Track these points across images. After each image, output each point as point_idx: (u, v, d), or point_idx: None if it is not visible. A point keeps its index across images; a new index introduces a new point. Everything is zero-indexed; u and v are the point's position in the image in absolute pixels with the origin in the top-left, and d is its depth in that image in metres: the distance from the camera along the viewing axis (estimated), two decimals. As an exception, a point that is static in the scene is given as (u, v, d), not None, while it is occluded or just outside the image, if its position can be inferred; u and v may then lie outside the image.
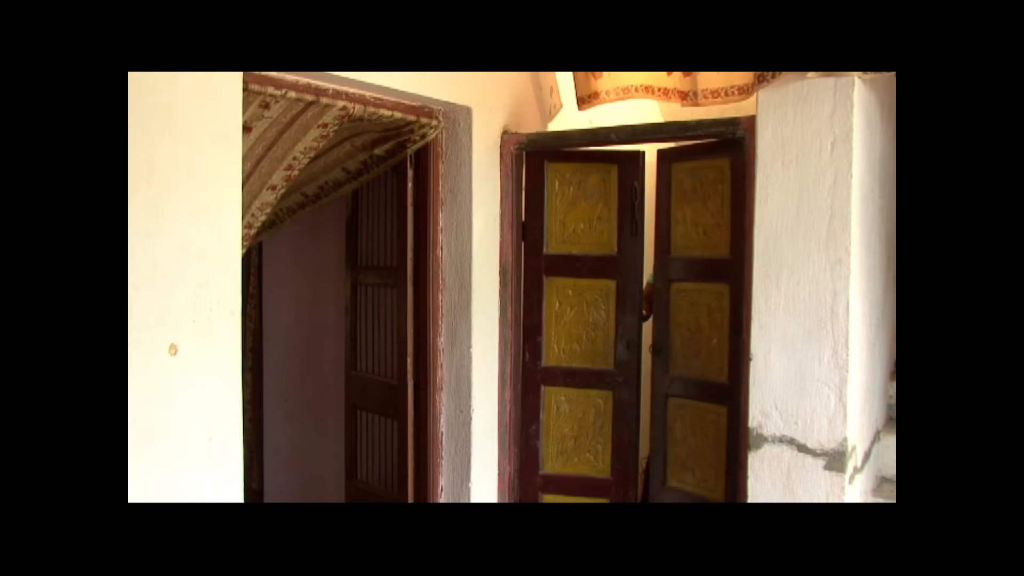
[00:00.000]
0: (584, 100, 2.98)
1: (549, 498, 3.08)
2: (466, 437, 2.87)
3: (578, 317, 3.05)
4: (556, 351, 3.07)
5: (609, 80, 2.88)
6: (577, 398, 3.07)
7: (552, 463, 3.09)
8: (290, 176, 2.54)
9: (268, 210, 2.60)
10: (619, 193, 2.96)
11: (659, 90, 2.79)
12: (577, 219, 3.01)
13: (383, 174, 2.99)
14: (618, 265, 2.99)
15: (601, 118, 3.02)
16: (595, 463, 3.07)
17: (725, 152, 2.60)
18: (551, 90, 3.21)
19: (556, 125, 3.19)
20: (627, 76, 2.83)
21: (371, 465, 3.22)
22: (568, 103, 3.18)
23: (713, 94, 2.59)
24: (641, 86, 2.83)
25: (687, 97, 2.68)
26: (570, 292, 3.05)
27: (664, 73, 2.76)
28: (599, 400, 3.05)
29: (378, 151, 2.82)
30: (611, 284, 3.00)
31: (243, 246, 2.11)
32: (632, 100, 2.93)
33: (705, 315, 2.70)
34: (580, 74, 2.95)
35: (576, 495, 3.04)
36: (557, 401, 3.09)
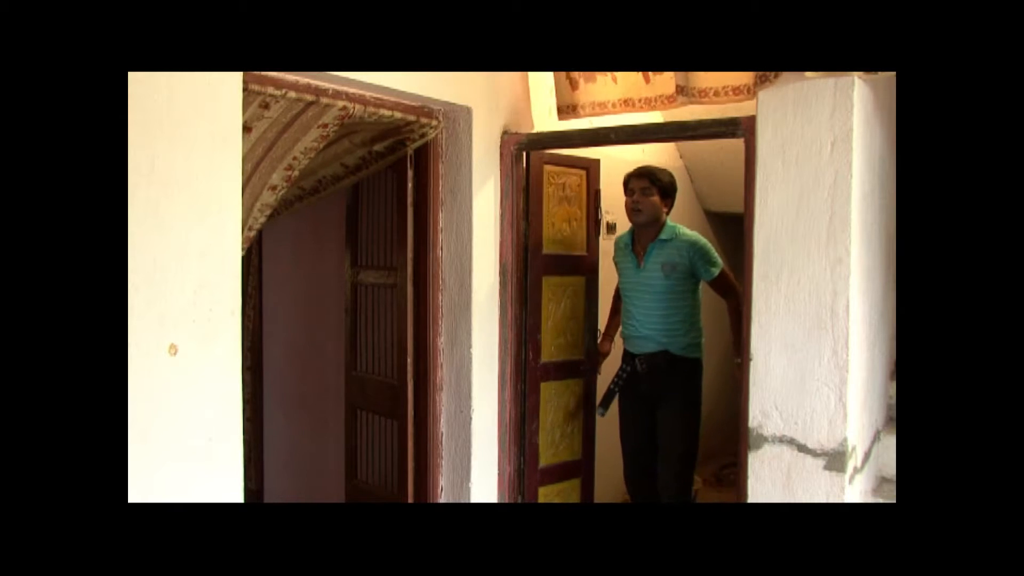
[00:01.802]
0: (563, 110, 3.01)
1: (544, 491, 3.16)
2: (466, 437, 2.87)
3: (562, 312, 3.21)
4: (549, 347, 3.16)
5: (585, 94, 2.92)
6: (562, 389, 3.21)
7: (545, 456, 3.17)
8: (290, 177, 2.54)
9: (268, 211, 2.60)
10: (587, 197, 3.30)
11: (640, 101, 2.81)
12: (562, 219, 3.20)
13: (383, 174, 2.99)
14: (587, 263, 3.33)
15: (601, 118, 3.03)
16: (572, 447, 3.28)
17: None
18: (551, 92, 3.22)
19: (557, 125, 3.20)
20: (604, 91, 2.87)
21: (371, 465, 3.22)
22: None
23: (701, 93, 2.58)
24: (619, 100, 2.87)
25: (678, 94, 2.65)
26: (558, 290, 3.19)
27: (643, 82, 2.78)
28: (575, 387, 3.28)
29: (377, 147, 2.82)
30: (583, 280, 3.32)
31: (243, 247, 2.11)
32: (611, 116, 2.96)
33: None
34: (562, 84, 2.99)
35: (560, 481, 3.22)
36: (550, 395, 3.17)
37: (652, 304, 3.06)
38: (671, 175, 3.16)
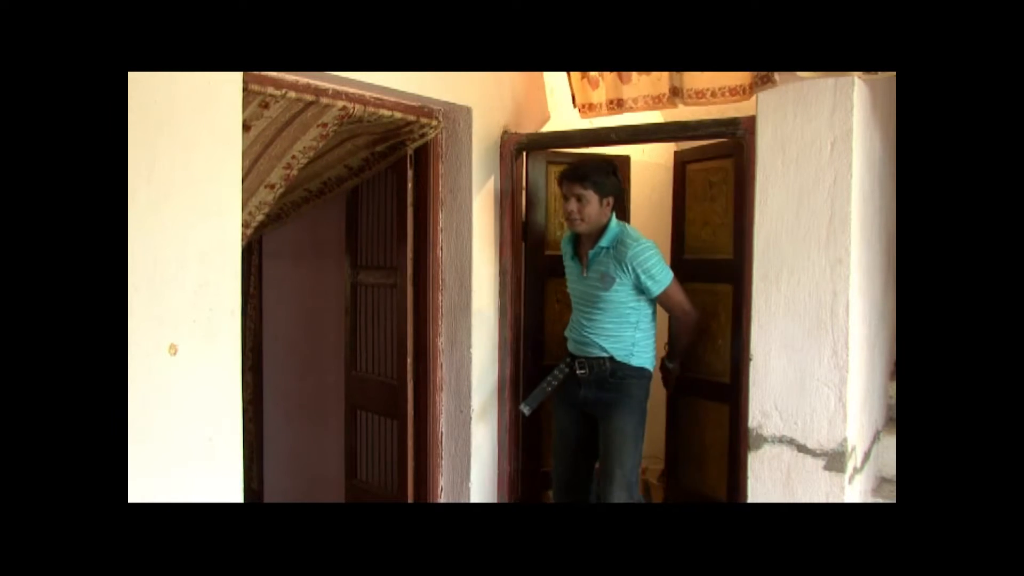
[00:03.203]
0: (583, 108, 3.01)
1: (547, 493, 3.11)
2: (466, 437, 2.87)
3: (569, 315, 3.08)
4: (555, 349, 3.09)
5: (581, 96, 2.92)
6: None
7: (548, 458, 3.11)
8: (289, 176, 2.54)
9: (266, 209, 2.59)
10: None
11: (644, 99, 2.82)
12: None
13: (383, 174, 2.99)
14: None
15: (601, 118, 3.02)
16: None
17: (730, 153, 2.65)
18: (551, 92, 3.22)
19: (557, 125, 3.20)
20: (596, 93, 2.89)
21: (371, 465, 3.22)
22: (559, 107, 3.18)
23: (698, 94, 2.58)
24: (608, 102, 2.86)
25: (672, 95, 2.65)
26: (565, 291, 3.05)
27: (620, 84, 2.79)
28: None
29: (379, 148, 2.83)
30: None
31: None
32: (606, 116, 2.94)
33: (712, 316, 2.74)
34: (572, 81, 2.98)
35: None
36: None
37: (595, 315, 2.64)
38: (614, 167, 2.71)
